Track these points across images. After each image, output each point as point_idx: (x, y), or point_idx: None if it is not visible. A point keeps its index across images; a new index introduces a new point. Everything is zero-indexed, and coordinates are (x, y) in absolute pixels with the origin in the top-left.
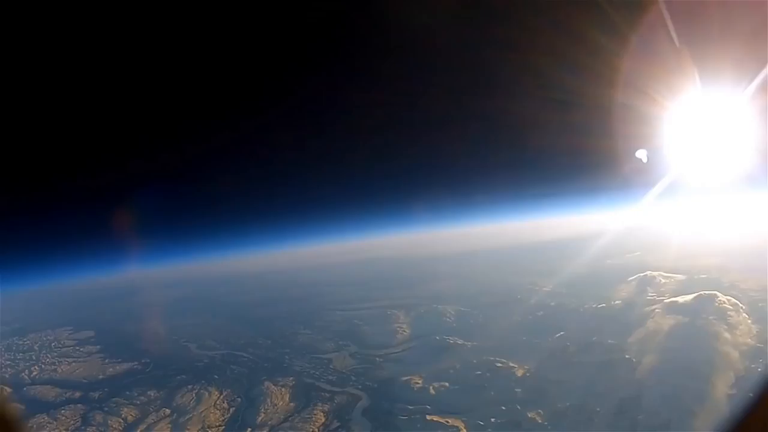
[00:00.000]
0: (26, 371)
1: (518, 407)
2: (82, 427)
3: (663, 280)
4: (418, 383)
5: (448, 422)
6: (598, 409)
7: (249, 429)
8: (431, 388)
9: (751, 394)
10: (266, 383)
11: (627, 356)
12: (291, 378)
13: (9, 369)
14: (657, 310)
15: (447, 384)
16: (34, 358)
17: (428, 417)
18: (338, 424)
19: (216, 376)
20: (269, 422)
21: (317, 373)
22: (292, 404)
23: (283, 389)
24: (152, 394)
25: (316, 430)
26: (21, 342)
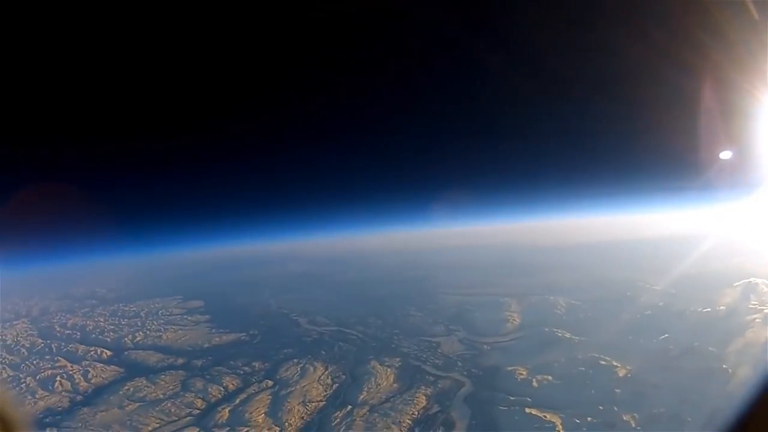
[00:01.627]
0: (129, 336)
1: (615, 408)
2: (181, 393)
3: (766, 289)
4: (522, 374)
5: (545, 417)
6: (689, 419)
7: (349, 406)
8: (534, 380)
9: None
10: (372, 362)
11: (724, 366)
12: (398, 359)
13: (111, 333)
14: (757, 320)
15: (550, 377)
16: (139, 324)
17: (527, 410)
18: (438, 408)
19: (323, 352)
20: (370, 401)
21: (424, 356)
22: (395, 385)
23: (388, 370)
24: (257, 366)
25: (416, 412)
26: (127, 308)
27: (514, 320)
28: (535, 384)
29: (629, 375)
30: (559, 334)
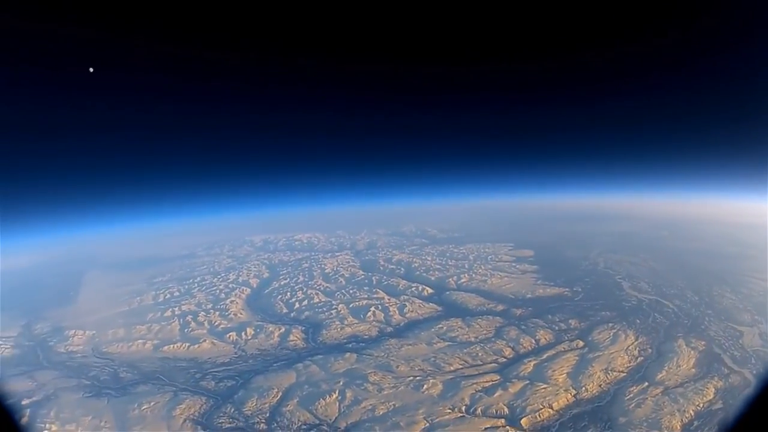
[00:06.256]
0: (454, 277)
1: None
2: (493, 339)
3: None
4: None
5: None
6: None
7: (646, 383)
8: None
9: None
10: (680, 341)
11: None
12: (703, 342)
13: (436, 272)
14: None
15: None
16: (466, 266)
17: None
18: (721, 405)
19: (638, 321)
20: (666, 382)
21: (727, 344)
22: (693, 370)
23: (692, 352)
24: (572, 323)
25: (701, 405)
26: (456, 250)
27: None
28: None
29: None
30: None
